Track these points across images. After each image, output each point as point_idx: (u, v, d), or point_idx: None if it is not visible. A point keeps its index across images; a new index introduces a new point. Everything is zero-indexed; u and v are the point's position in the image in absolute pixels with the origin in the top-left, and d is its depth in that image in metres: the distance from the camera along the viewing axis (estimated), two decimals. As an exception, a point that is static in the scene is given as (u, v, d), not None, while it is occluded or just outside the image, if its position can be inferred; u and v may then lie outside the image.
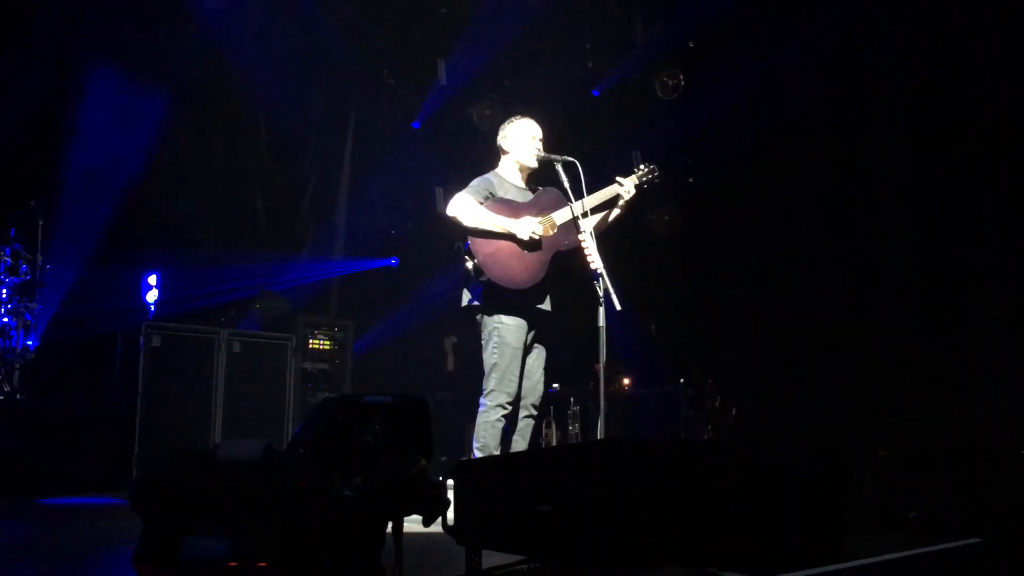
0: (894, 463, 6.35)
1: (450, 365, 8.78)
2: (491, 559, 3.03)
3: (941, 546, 3.57)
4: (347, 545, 2.13)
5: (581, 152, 4.83)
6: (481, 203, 4.77)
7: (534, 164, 4.98)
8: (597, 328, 4.49)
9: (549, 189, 4.96)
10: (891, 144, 7.44)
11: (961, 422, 6.72)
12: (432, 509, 2.37)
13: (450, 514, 2.90)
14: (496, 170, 5.06)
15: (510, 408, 4.76)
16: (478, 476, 3.11)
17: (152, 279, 7.50)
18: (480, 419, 4.76)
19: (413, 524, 2.64)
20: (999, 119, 6.86)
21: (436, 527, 2.82)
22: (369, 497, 2.12)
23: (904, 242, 7.32)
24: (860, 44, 7.45)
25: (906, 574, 3.30)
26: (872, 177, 7.54)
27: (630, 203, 4.98)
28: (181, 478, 2.19)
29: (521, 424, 4.88)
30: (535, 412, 4.93)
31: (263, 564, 1.96)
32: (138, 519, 2.23)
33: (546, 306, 4.91)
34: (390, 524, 2.32)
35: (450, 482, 2.98)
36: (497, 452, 4.70)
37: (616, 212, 5.00)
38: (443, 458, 6.96)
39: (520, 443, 4.85)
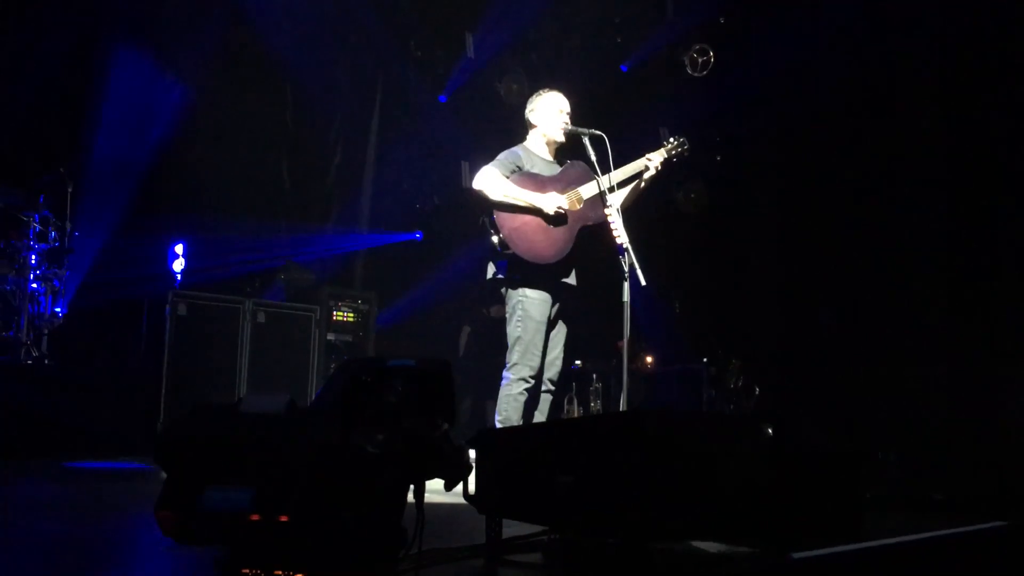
0: (919, 444, 6.31)
1: (460, 352, 8.83)
2: (511, 529, 3.04)
3: (965, 528, 3.53)
4: (368, 502, 2.13)
5: (609, 128, 4.79)
6: (507, 176, 4.75)
7: (561, 137, 4.95)
8: (621, 304, 4.47)
9: (576, 163, 4.93)
10: (923, 123, 7.33)
11: (987, 404, 6.65)
12: (454, 473, 2.36)
13: (472, 483, 2.90)
14: (524, 143, 5.04)
15: (533, 382, 4.76)
16: (500, 445, 3.11)
17: (179, 248, 7.55)
18: (502, 392, 4.76)
19: (435, 495, 2.64)
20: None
21: (458, 496, 2.83)
22: (391, 456, 2.12)
23: (933, 222, 7.23)
24: (892, 20, 7.33)
25: (928, 556, 3.27)
26: (902, 156, 7.44)
27: (656, 177, 4.95)
28: (204, 430, 2.20)
29: (539, 399, 4.89)
30: (553, 387, 4.93)
31: (284, 518, 1.97)
32: (161, 471, 2.25)
33: (571, 280, 4.89)
34: (412, 489, 2.33)
35: (472, 451, 2.98)
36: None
37: (642, 185, 4.97)
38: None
39: (539, 418, 4.86)
